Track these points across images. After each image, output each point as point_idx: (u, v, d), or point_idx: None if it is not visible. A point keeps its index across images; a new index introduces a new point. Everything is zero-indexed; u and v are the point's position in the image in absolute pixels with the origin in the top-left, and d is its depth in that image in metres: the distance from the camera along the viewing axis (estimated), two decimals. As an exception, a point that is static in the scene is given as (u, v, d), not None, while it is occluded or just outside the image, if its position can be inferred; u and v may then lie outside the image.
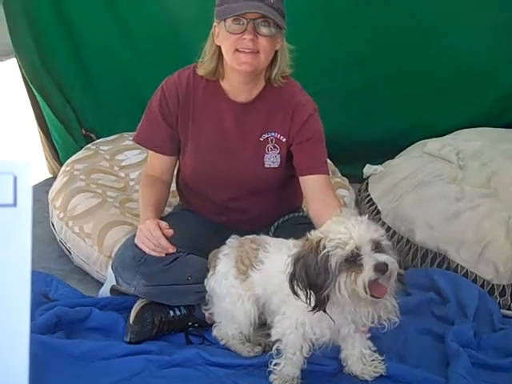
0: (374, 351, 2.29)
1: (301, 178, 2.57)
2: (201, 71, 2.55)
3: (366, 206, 3.55)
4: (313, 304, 1.98)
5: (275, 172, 2.61)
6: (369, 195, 3.59)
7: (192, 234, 2.66)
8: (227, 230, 2.64)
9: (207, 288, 2.45)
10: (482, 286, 2.89)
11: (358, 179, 3.85)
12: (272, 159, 2.59)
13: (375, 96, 4.00)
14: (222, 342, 2.46)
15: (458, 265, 2.97)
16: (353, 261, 1.93)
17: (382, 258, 1.92)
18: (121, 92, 4.04)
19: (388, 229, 3.26)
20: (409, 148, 3.93)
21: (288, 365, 2.22)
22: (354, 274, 1.94)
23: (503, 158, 3.52)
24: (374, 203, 3.50)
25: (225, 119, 2.59)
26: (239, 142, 2.60)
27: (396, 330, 2.28)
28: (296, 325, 2.13)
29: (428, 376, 2.30)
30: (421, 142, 3.92)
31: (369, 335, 2.27)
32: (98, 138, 3.93)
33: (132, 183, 3.41)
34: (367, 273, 1.92)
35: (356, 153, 3.99)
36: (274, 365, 2.24)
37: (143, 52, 3.98)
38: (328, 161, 3.50)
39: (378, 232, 1.96)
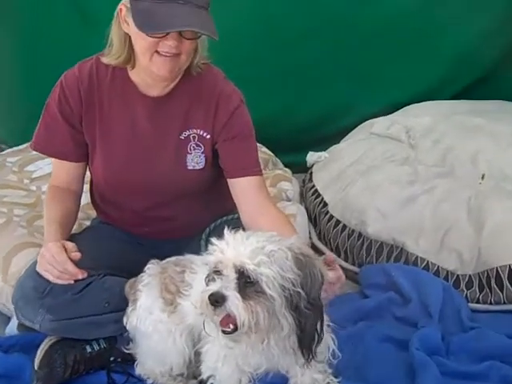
0: (329, 374, 2.04)
1: (229, 181, 2.36)
2: (108, 60, 2.26)
3: (311, 198, 3.38)
4: None
5: (200, 174, 2.39)
6: (314, 186, 3.42)
7: (111, 250, 2.46)
8: (153, 242, 2.49)
9: (128, 326, 2.19)
10: (446, 278, 2.80)
11: (302, 169, 3.67)
12: (195, 159, 2.37)
13: (312, 75, 3.82)
14: (149, 382, 2.21)
15: (417, 257, 2.87)
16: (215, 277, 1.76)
17: (228, 293, 1.69)
18: (31, 98, 3.62)
19: (337, 222, 3.14)
20: (354, 130, 3.79)
21: (227, 401, 1.98)
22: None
23: (457, 131, 3.39)
24: (319, 195, 3.33)
25: (137, 117, 2.34)
26: (156, 142, 2.36)
27: (354, 340, 2.26)
28: (225, 355, 1.89)
29: (392, 394, 2.17)
30: (367, 121, 3.79)
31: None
32: (8, 149, 3.73)
33: (44, 197, 3.07)
34: (203, 294, 1.73)
35: (298, 139, 3.85)
36: (212, 403, 2.01)
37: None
38: (268, 152, 3.54)
39: (251, 260, 1.69)
